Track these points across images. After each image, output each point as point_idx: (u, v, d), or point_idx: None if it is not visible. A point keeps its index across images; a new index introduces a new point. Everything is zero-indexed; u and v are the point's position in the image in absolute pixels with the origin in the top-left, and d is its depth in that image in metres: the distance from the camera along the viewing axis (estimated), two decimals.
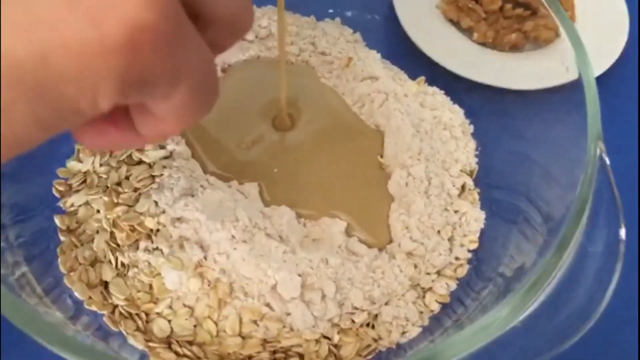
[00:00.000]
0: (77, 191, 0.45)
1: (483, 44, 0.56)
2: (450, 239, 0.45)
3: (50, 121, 0.20)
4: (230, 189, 0.43)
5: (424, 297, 0.43)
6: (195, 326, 0.40)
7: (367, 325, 0.41)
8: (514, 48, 0.56)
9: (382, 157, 0.47)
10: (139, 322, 0.40)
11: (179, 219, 0.41)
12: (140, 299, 0.41)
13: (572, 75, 0.42)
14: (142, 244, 0.41)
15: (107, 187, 0.44)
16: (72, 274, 0.41)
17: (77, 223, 0.44)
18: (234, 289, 0.40)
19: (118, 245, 0.42)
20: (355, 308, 0.41)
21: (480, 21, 0.56)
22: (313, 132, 0.48)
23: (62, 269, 0.42)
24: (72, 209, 0.44)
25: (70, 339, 0.31)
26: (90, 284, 0.41)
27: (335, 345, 0.40)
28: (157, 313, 0.40)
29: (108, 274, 0.41)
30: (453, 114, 0.50)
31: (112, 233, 0.42)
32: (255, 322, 0.40)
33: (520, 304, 0.32)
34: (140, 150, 0.44)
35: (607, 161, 0.35)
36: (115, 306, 0.41)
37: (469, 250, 0.45)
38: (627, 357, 0.45)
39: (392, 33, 0.58)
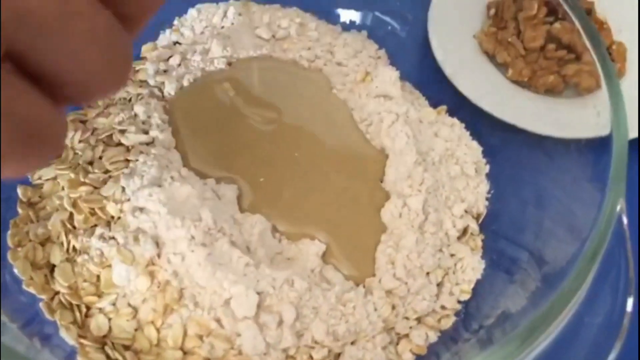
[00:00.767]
0: (49, 164, 0.42)
1: (517, 82, 0.52)
2: (440, 285, 0.40)
3: None
4: (204, 187, 0.39)
5: (397, 344, 0.38)
6: (136, 330, 0.36)
7: None
8: (549, 91, 0.51)
9: (382, 181, 0.43)
10: (77, 315, 0.36)
11: (140, 209, 0.37)
12: (84, 290, 0.37)
13: (602, 131, 0.37)
14: (99, 231, 0.38)
15: (79, 164, 0.41)
16: (19, 249, 0.38)
17: (40, 197, 0.41)
18: (184, 296, 0.35)
19: (74, 227, 0.38)
20: (316, 342, 0.36)
21: (517, 57, 0.52)
22: (311, 146, 0.44)
23: (10, 243, 0.38)
24: (38, 181, 0.41)
25: None
26: (36, 264, 0.38)
27: None
28: (99, 308, 0.36)
29: (57, 257, 0.38)
30: (469, 150, 0.46)
31: (71, 214, 0.39)
32: (200, 337, 0.35)
33: None
34: (122, 132, 0.41)
35: (625, 221, 0.30)
36: (57, 293, 0.37)
37: (459, 301, 0.40)
38: None
39: (422, 56, 0.53)
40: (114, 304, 0.36)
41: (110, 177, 0.40)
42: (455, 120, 0.48)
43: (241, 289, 0.35)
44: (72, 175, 0.39)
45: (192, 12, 0.50)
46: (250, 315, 0.34)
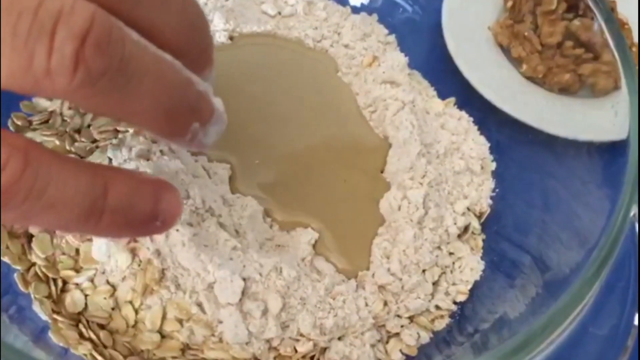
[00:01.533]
0: (35, 130, 0.40)
1: (531, 78, 0.49)
2: (436, 284, 0.38)
3: None
4: (195, 164, 0.37)
5: (386, 342, 0.36)
6: (113, 309, 0.34)
7: (311, 358, 0.35)
8: (564, 90, 0.49)
9: (382, 171, 0.41)
10: (53, 289, 0.34)
11: None
12: (62, 263, 0.35)
13: (619, 134, 0.35)
14: None
15: (66, 131, 0.39)
16: None
17: None
18: (166, 277, 0.33)
19: None
20: (301, 334, 0.34)
21: (533, 53, 0.49)
22: (311, 131, 0.42)
23: None
24: None
25: None
26: (13, 232, 0.36)
27: None
28: (76, 284, 0.35)
29: None
30: (476, 145, 0.44)
31: None
32: (180, 321, 0.33)
33: None
34: None
35: (638, 228, 0.28)
36: (33, 264, 0.35)
37: (455, 302, 0.38)
38: None
39: (433, 45, 0.51)
40: (91, 280, 0.34)
41: (97, 147, 0.38)
42: (463, 114, 0.46)
43: (226, 273, 0.33)
44: (58, 142, 0.38)
45: None
46: (233, 301, 0.33)
